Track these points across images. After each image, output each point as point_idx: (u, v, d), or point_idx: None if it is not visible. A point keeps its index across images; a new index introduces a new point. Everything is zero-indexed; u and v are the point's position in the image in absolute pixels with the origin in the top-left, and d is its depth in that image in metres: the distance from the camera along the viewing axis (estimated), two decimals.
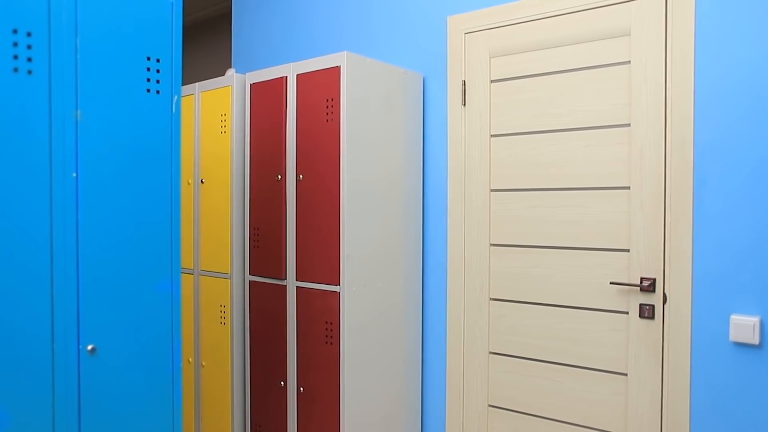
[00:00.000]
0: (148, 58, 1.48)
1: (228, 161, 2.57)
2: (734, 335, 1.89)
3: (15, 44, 1.24)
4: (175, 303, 1.56)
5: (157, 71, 1.49)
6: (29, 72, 1.26)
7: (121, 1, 1.43)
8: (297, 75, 2.36)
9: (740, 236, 1.88)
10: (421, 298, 2.58)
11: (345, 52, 2.21)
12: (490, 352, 2.43)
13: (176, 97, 1.52)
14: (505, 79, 2.37)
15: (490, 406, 2.44)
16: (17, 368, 1.27)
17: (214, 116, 2.63)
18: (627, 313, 2.11)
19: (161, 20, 1.50)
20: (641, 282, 2.06)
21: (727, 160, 1.90)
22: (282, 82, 2.41)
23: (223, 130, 2.59)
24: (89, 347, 1.39)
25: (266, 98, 2.48)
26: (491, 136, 2.40)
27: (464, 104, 2.46)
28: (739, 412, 1.89)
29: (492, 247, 2.40)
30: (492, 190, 2.39)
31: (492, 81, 2.40)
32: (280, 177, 2.41)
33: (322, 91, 2.26)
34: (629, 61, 2.09)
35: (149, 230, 1.49)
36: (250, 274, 2.55)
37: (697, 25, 1.95)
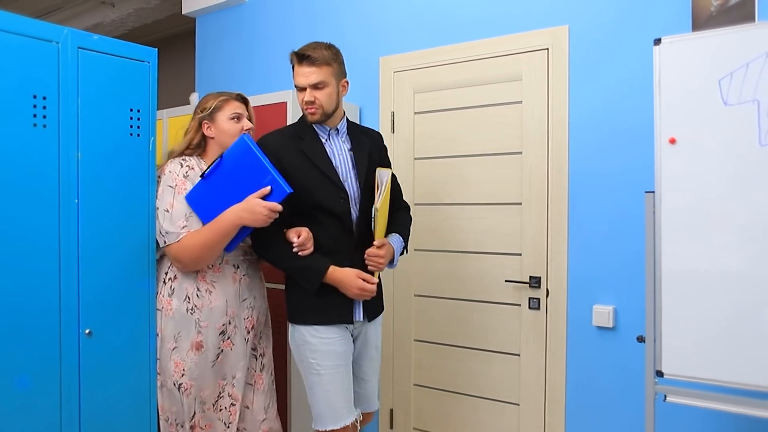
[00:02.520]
0: (131, 110, 1.97)
1: None
2: (596, 321, 2.46)
3: (34, 106, 1.73)
4: (152, 298, 2.06)
5: (138, 119, 1.99)
6: (44, 126, 1.75)
7: (110, 66, 1.93)
8: (252, 107, 2.86)
9: (601, 243, 2.45)
10: None
11: (291, 90, 2.72)
12: (414, 340, 2.97)
13: (152, 138, 2.02)
14: (427, 111, 2.91)
15: (414, 385, 2.97)
16: (34, 346, 1.76)
17: (181, 139, 3.10)
18: (519, 305, 2.67)
19: (140, 79, 2.00)
20: (530, 280, 2.62)
21: (593, 181, 2.47)
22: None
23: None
24: (87, 331, 1.88)
25: None
26: (415, 158, 2.94)
27: (393, 131, 2.99)
28: (601, 380, 2.46)
29: (415, 252, 2.93)
30: (416, 204, 2.93)
31: (416, 113, 2.94)
32: None
33: (272, 122, 2.77)
34: (521, 101, 2.65)
35: (132, 241, 1.99)
36: None
37: (570, 75, 2.52)
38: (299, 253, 2.00)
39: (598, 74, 2.47)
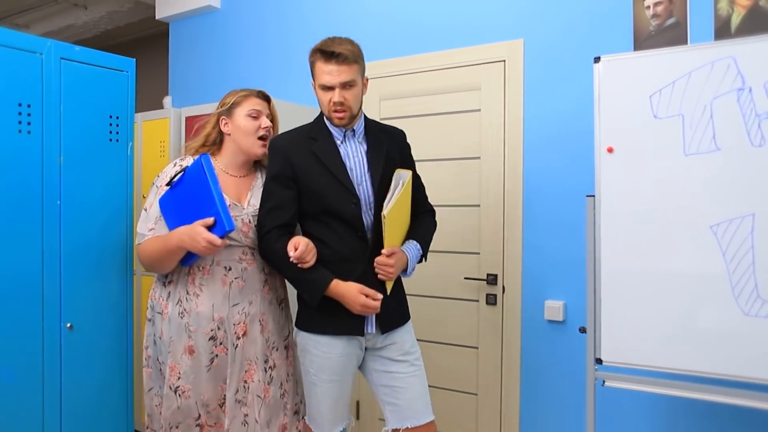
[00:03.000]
0: (110, 116, 2.11)
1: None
2: (547, 315, 2.66)
3: (20, 113, 1.85)
4: (129, 295, 2.20)
5: (117, 125, 2.12)
6: (29, 132, 1.88)
7: (91, 75, 2.06)
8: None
9: (552, 243, 2.65)
10: None
11: None
12: None
13: (130, 143, 2.15)
14: (392, 117, 3.08)
15: None
16: (20, 339, 1.88)
17: (155, 142, 3.23)
18: (477, 301, 2.86)
19: (119, 88, 2.14)
20: (487, 277, 2.81)
21: (545, 185, 2.67)
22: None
23: (162, 154, 3.20)
24: (68, 325, 2.01)
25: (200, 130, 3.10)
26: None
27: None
28: (552, 369, 2.65)
29: None
30: None
31: (382, 119, 3.11)
32: None
33: None
34: (480, 110, 2.84)
35: (110, 240, 2.13)
36: None
37: (525, 85, 2.72)
38: (298, 266, 1.88)
39: (550, 85, 2.66)
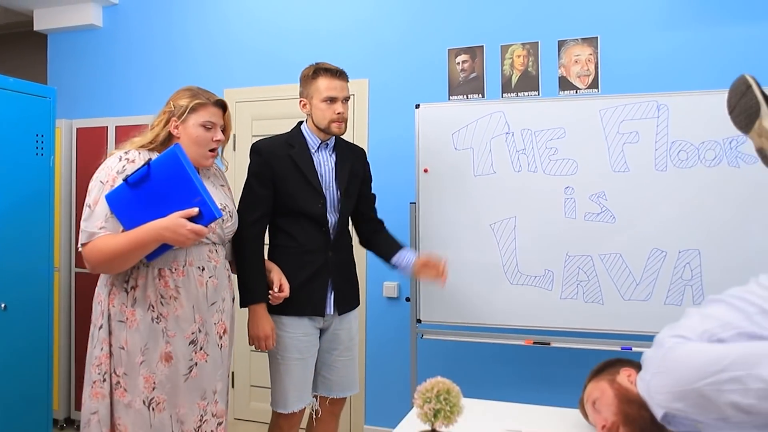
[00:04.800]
0: (37, 135, 2.62)
1: (58, 184, 3.61)
2: (385, 293, 3.51)
3: None
4: (50, 281, 2.71)
5: (42, 142, 2.64)
6: None
7: (21, 101, 2.56)
8: (116, 126, 3.52)
9: None
10: None
11: (152, 115, 3.42)
12: None
13: (52, 157, 2.68)
14: (261, 135, 3.76)
15: (251, 351, 3.82)
16: None
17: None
18: None
19: (44, 111, 2.66)
20: None
21: (385, 194, 3.49)
22: (104, 130, 3.55)
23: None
24: (2, 305, 2.50)
25: (89, 141, 3.58)
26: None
27: (234, 150, 3.82)
28: (389, 334, 3.50)
29: None
30: None
31: (253, 135, 3.79)
32: None
33: None
34: None
35: (37, 234, 2.64)
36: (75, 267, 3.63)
37: (369, 116, 3.55)
38: (269, 299, 2.19)
39: (387, 117, 3.52)
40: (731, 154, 2.60)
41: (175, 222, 1.78)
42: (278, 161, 2.28)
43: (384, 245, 2.58)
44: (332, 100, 2.26)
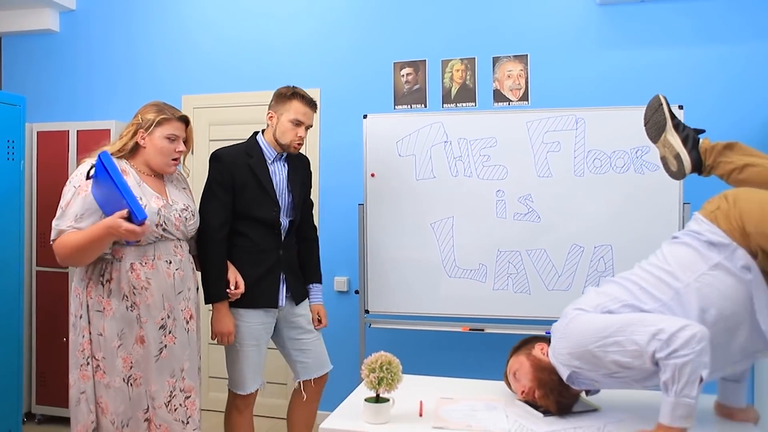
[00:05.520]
0: (8, 141, 2.80)
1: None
2: (336, 287, 3.80)
3: None
4: (21, 272, 2.89)
5: (13, 148, 2.82)
6: None
7: None
8: (77, 130, 3.69)
9: (339, 234, 3.79)
10: None
11: (114, 120, 3.62)
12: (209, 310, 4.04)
13: (22, 161, 2.86)
14: (218, 140, 4.00)
15: (209, 343, 4.05)
16: None
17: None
18: None
19: (14, 118, 2.85)
20: None
21: (336, 195, 3.80)
22: (65, 134, 3.71)
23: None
24: None
25: (51, 144, 3.73)
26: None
27: (192, 153, 4.03)
28: (340, 322, 3.79)
29: None
30: None
31: (210, 140, 4.02)
32: None
33: (96, 144, 3.61)
34: None
35: (10, 230, 2.82)
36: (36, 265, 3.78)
37: (321, 122, 3.82)
38: (229, 294, 2.44)
39: (337, 125, 3.80)
40: (638, 163, 3.00)
41: (113, 222, 1.97)
42: (238, 170, 2.50)
43: (305, 263, 2.82)
44: (298, 123, 2.53)
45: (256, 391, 2.61)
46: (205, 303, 2.48)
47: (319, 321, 2.78)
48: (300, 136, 2.55)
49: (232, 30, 4.03)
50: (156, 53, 4.18)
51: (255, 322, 2.55)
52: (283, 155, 2.64)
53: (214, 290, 2.45)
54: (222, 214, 2.48)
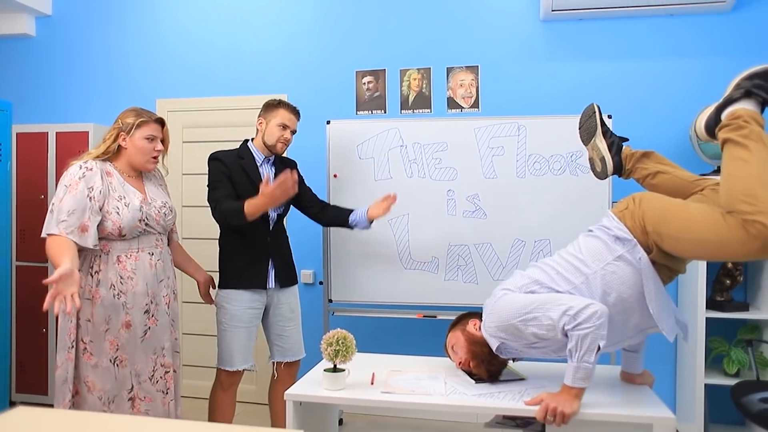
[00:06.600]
0: None
1: None
2: (303, 279, 4.10)
3: None
4: (9, 274, 3.13)
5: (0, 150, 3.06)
6: None
7: None
8: (56, 132, 3.92)
9: (303, 230, 4.07)
10: None
11: (92, 123, 3.86)
12: (183, 302, 4.31)
13: (9, 162, 3.10)
14: (192, 141, 4.27)
15: (184, 333, 4.31)
16: None
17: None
18: None
19: (2, 123, 3.07)
20: None
21: None
22: (44, 136, 3.93)
23: None
24: None
25: (29, 146, 3.96)
26: (183, 174, 4.28)
27: (166, 153, 4.28)
28: (308, 311, 4.07)
29: (184, 240, 4.27)
30: (183, 206, 4.26)
31: (183, 142, 4.28)
32: (43, 197, 3.92)
33: (75, 146, 3.86)
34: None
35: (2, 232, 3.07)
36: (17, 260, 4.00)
37: None
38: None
39: (304, 129, 4.07)
40: (572, 166, 3.37)
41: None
42: (232, 168, 2.89)
43: (339, 214, 3.20)
44: (284, 127, 2.94)
45: (243, 371, 2.90)
46: (248, 218, 2.68)
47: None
48: (285, 137, 2.93)
49: (205, 37, 4.29)
50: (131, 58, 4.41)
51: (245, 305, 2.86)
52: (271, 159, 3.01)
53: (244, 206, 2.67)
54: (226, 192, 2.83)
